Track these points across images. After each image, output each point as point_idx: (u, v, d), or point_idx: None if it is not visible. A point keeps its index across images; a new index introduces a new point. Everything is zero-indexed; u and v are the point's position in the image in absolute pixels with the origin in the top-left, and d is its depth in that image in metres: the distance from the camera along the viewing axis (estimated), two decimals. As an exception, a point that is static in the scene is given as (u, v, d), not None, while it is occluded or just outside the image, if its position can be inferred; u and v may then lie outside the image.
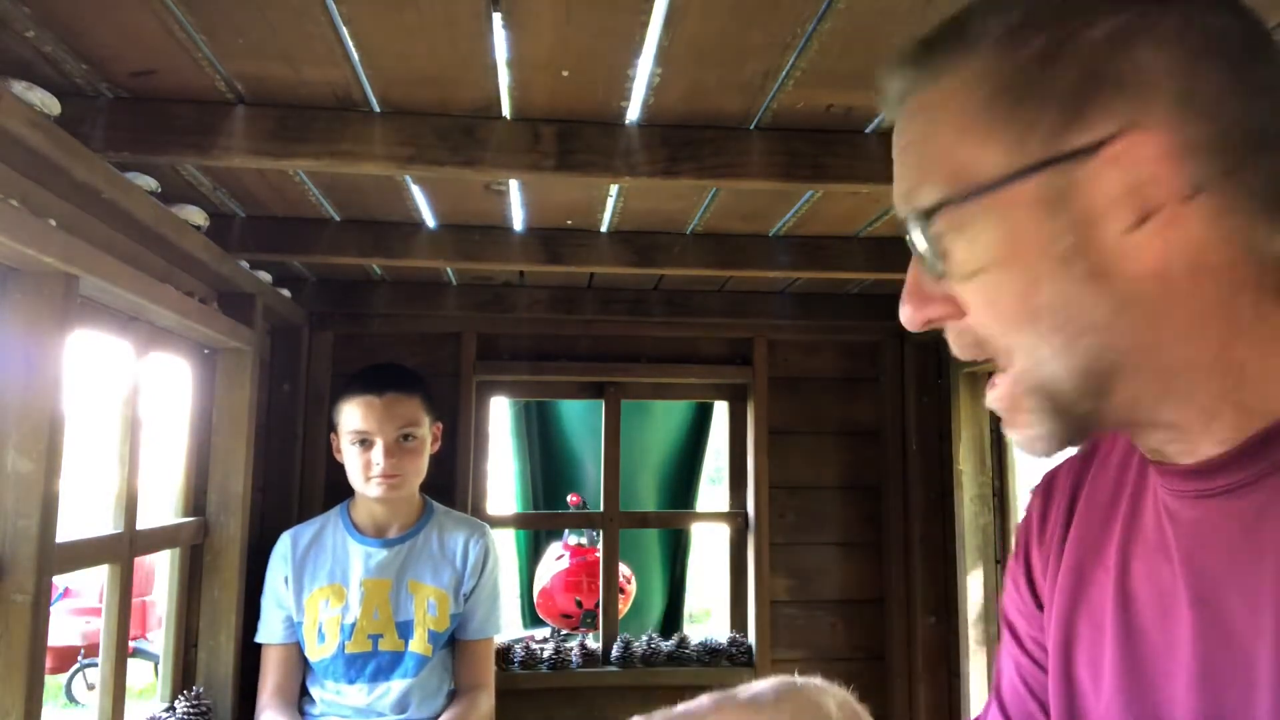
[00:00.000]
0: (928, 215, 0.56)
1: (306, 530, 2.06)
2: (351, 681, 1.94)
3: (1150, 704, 0.60)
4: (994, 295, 0.56)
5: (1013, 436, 0.60)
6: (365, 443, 1.99)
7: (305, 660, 1.99)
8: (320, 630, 1.97)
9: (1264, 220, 0.53)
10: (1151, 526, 0.63)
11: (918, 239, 0.58)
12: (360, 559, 2.01)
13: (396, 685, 1.95)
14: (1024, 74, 0.54)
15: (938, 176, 0.56)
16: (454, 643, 2.07)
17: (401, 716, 1.94)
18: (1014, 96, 0.54)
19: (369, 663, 1.95)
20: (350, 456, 2.02)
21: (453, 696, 2.04)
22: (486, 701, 2.04)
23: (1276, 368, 0.54)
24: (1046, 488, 0.77)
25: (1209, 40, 0.53)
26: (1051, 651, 0.70)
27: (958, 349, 0.61)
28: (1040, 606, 0.74)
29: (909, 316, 0.61)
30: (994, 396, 0.59)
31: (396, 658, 1.96)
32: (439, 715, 1.98)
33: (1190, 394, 0.55)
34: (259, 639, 2.00)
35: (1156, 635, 0.60)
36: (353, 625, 1.96)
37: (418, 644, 1.97)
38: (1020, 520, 0.80)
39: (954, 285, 0.58)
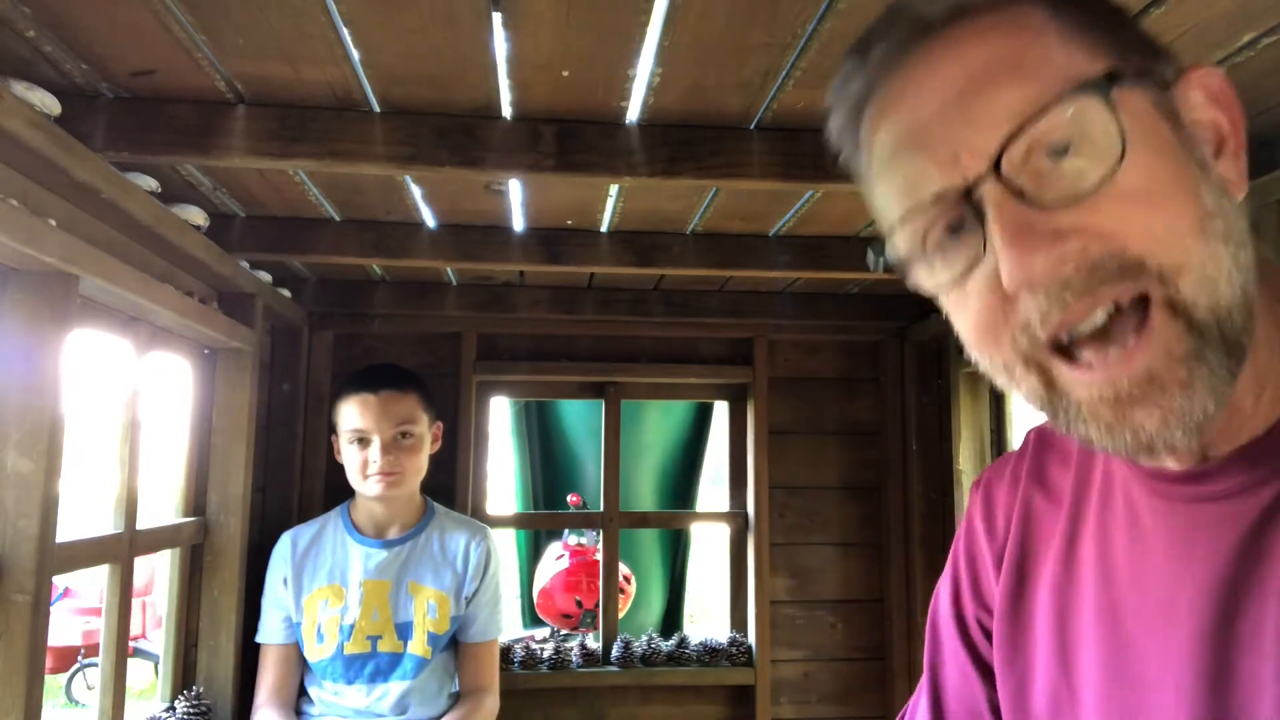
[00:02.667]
0: (1100, 94, 0.49)
1: (306, 531, 2.06)
2: (350, 682, 1.94)
3: (1135, 710, 0.58)
4: (1164, 193, 0.49)
5: (1142, 422, 0.49)
6: (362, 441, 1.99)
7: (304, 661, 2.00)
8: (319, 631, 1.96)
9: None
10: (1127, 528, 0.62)
11: (1065, 132, 0.49)
12: (360, 560, 2.01)
13: (395, 687, 1.95)
14: (1083, 9, 0.53)
15: (1059, 81, 0.50)
16: (457, 646, 2.07)
17: (401, 718, 1.94)
18: (1089, 21, 0.53)
19: (367, 664, 1.95)
20: (349, 455, 2.02)
21: (456, 699, 2.04)
22: (490, 703, 2.04)
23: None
24: (987, 490, 0.75)
25: None
26: (1004, 654, 0.69)
27: (1070, 297, 0.49)
28: (988, 611, 0.73)
29: (1041, 263, 0.49)
30: (1152, 354, 0.48)
31: (395, 659, 1.96)
32: (440, 717, 1.98)
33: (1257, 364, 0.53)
34: (258, 639, 2.00)
35: (1146, 640, 0.59)
36: (352, 626, 1.96)
37: (417, 646, 1.97)
38: (961, 527, 0.78)
39: (1104, 193, 0.49)
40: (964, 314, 0.55)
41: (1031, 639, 0.67)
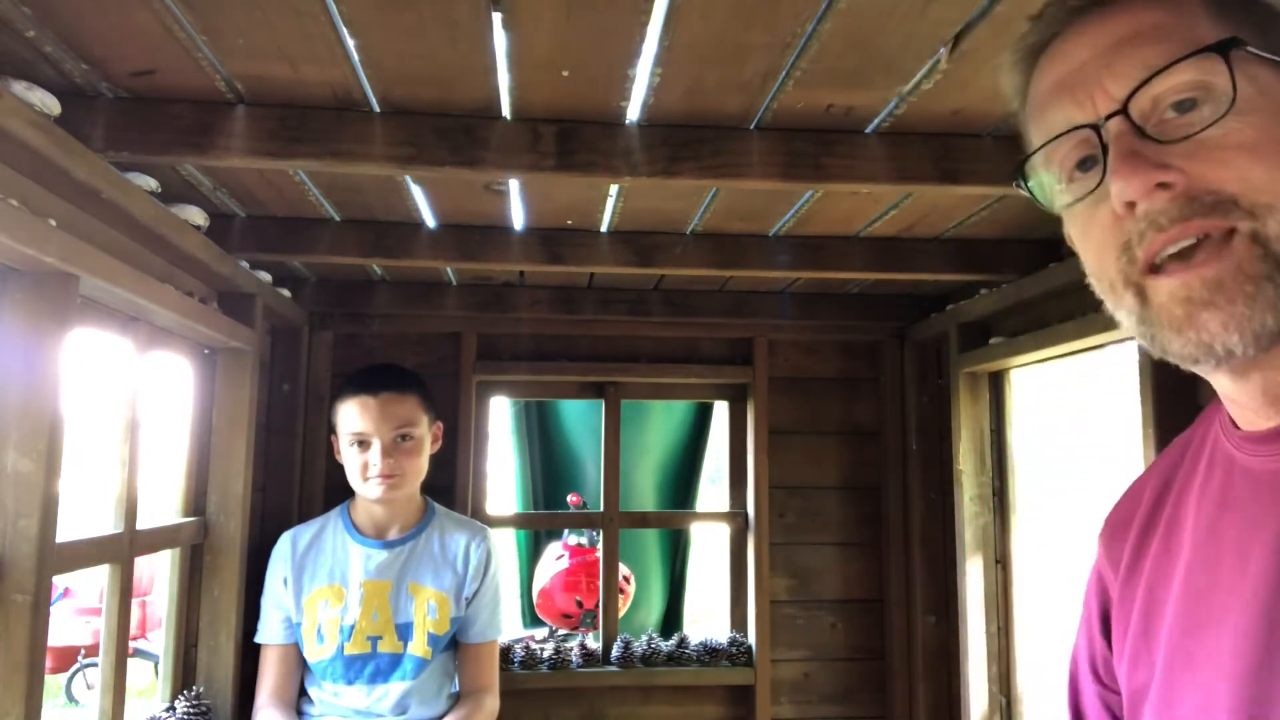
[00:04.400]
0: (1223, 52, 0.58)
1: (306, 531, 2.06)
2: (350, 683, 1.94)
3: (1191, 652, 0.63)
4: (1270, 149, 0.57)
5: (1206, 323, 0.57)
6: (363, 443, 1.99)
7: (304, 661, 1.99)
8: (319, 631, 1.96)
9: None
10: (1219, 494, 0.67)
11: (1190, 77, 0.58)
12: (360, 560, 2.01)
13: (395, 687, 1.95)
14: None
15: (1191, 44, 0.58)
16: (457, 646, 2.07)
17: (400, 718, 1.94)
18: (1240, 5, 0.61)
19: (368, 664, 1.95)
20: (349, 457, 2.02)
21: (455, 700, 2.04)
22: (490, 704, 2.04)
23: None
24: (1109, 525, 0.80)
25: None
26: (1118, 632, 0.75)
27: (1165, 221, 0.58)
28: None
29: (1140, 182, 0.58)
30: (1224, 266, 0.56)
31: (395, 660, 1.96)
32: (440, 718, 1.98)
33: None
34: (258, 639, 2.00)
35: (1214, 591, 0.63)
36: (352, 627, 1.95)
37: (417, 646, 1.97)
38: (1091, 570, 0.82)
39: (1214, 139, 0.57)
40: (1086, 239, 0.65)
41: (1132, 605, 0.73)
